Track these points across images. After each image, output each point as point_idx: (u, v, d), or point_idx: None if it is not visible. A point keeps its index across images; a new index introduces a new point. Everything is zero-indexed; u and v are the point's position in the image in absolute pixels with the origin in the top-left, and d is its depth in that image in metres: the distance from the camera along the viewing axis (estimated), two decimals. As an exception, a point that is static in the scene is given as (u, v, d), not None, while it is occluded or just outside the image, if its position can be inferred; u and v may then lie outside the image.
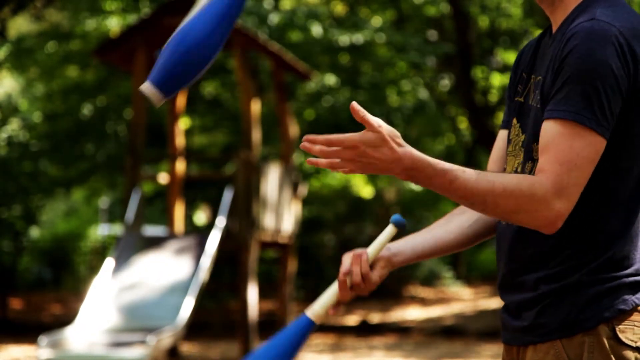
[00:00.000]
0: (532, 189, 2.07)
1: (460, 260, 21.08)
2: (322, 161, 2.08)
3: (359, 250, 2.36)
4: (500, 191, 2.07)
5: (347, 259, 2.36)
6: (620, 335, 2.13)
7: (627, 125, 2.14)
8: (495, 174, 2.10)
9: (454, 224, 2.43)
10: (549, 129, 2.10)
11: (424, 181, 2.08)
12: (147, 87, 2.06)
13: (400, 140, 2.05)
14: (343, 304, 2.35)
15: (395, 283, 18.43)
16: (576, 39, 2.11)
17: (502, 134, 2.41)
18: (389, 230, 2.35)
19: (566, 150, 2.07)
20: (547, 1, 2.26)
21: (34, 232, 19.63)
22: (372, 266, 2.36)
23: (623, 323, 2.13)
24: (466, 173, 2.08)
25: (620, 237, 2.16)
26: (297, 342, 2.31)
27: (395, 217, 2.32)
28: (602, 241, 2.15)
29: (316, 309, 2.34)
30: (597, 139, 2.08)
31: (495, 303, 17.07)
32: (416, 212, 20.62)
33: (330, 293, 2.35)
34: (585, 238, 2.16)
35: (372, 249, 2.36)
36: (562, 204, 2.07)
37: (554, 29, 2.26)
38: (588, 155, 2.07)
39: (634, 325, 2.14)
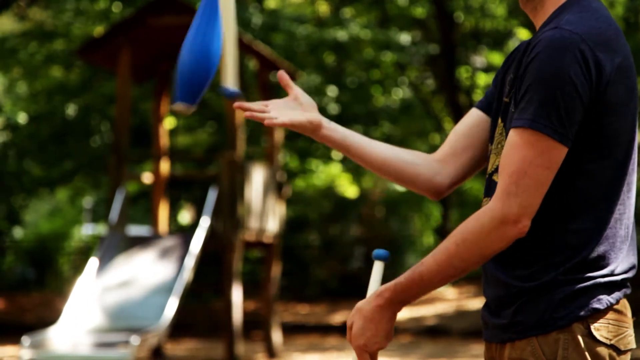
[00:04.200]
0: (480, 222, 2.16)
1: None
2: None
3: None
4: (456, 250, 2.17)
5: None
6: (595, 333, 2.17)
7: (594, 128, 2.17)
8: (448, 239, 2.19)
9: (393, 151, 2.48)
10: (509, 139, 2.18)
11: (406, 297, 2.23)
12: (177, 105, 2.33)
13: (364, 305, 2.28)
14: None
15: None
16: (538, 48, 2.16)
17: (475, 113, 2.47)
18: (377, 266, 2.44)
19: (518, 161, 2.14)
20: (529, 7, 2.32)
21: (17, 232, 19.56)
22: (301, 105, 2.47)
23: (598, 321, 2.17)
24: (424, 262, 2.20)
25: (594, 238, 2.19)
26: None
27: (377, 252, 2.42)
28: (574, 241, 2.19)
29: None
30: (554, 146, 2.13)
31: (478, 303, 17.11)
32: (401, 212, 20.64)
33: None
34: (556, 238, 2.20)
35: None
36: (512, 211, 2.13)
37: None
38: (542, 163, 2.13)
39: (609, 324, 2.18)
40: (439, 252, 2.19)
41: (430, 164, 2.47)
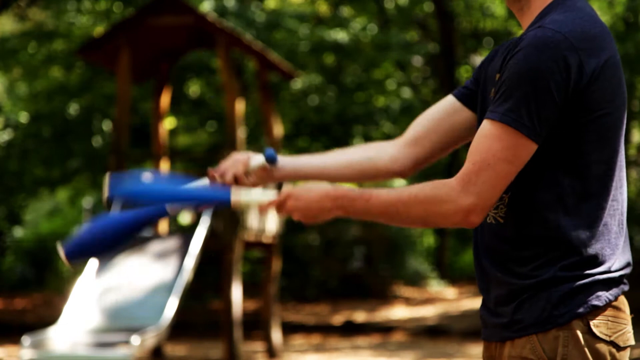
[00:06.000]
0: (435, 191, 2.20)
1: (445, 260, 21.12)
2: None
3: (240, 156, 2.56)
4: (406, 199, 2.21)
5: (226, 162, 2.57)
6: (595, 330, 2.18)
7: (579, 125, 2.19)
8: (408, 186, 2.23)
9: (345, 156, 2.57)
10: (481, 128, 2.21)
11: (348, 205, 2.25)
12: (60, 251, 2.52)
13: (314, 187, 2.29)
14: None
15: (380, 283, 18.45)
16: (520, 47, 2.19)
17: (449, 99, 2.51)
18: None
19: (483, 151, 2.18)
20: (516, 7, 2.34)
21: (17, 232, 19.56)
22: (248, 174, 2.54)
23: (597, 318, 2.19)
24: (379, 191, 2.25)
25: (589, 234, 2.21)
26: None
27: (269, 151, 2.51)
28: (569, 238, 2.20)
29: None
30: (521, 141, 2.16)
31: (478, 303, 17.07)
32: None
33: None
34: (552, 236, 2.21)
35: (252, 162, 2.54)
36: (469, 199, 2.17)
37: None
38: (506, 157, 2.17)
39: (608, 320, 2.20)
40: (394, 192, 2.24)
41: (385, 152, 2.55)
